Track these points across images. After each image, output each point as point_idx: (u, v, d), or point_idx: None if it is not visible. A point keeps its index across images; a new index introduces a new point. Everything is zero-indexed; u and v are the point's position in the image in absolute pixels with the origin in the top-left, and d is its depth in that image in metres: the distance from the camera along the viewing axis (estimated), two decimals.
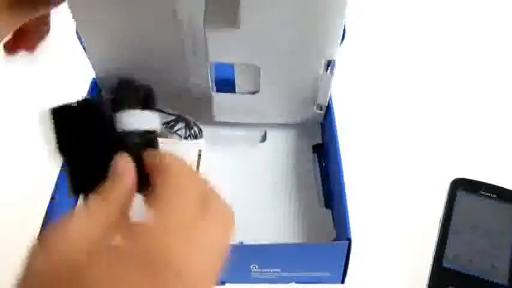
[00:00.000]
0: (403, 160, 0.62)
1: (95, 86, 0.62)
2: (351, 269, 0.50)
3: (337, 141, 0.55)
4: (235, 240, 0.48)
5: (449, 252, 0.51)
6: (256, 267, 0.49)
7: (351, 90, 0.67)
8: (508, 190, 0.55)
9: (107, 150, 0.32)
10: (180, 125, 0.61)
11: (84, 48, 0.56)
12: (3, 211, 0.56)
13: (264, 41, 0.50)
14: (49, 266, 0.27)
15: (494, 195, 0.55)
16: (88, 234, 0.28)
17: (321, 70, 0.54)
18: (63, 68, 0.70)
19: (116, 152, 0.32)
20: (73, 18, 0.51)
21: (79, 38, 0.55)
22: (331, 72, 0.54)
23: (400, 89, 0.70)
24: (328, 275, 0.51)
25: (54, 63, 0.65)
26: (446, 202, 0.55)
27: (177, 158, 0.33)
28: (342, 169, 0.52)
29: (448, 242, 0.52)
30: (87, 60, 0.57)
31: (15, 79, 0.68)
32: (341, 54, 0.52)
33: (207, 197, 0.31)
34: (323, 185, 0.58)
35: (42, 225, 0.47)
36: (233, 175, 0.58)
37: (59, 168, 0.52)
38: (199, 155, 0.57)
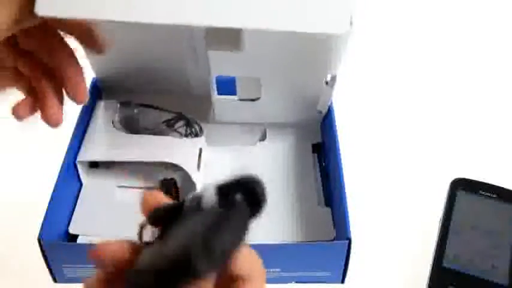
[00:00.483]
0: (403, 160, 0.62)
1: (95, 86, 0.62)
2: (350, 269, 0.50)
3: (337, 140, 0.55)
4: None
5: (449, 252, 0.51)
6: None
7: (350, 89, 0.67)
8: (508, 190, 0.55)
9: None
10: (181, 123, 0.61)
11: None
12: (3, 211, 0.56)
13: (266, 59, 0.51)
14: None
15: (494, 195, 0.55)
16: None
17: (323, 84, 0.54)
18: None
19: None
20: None
21: None
22: (333, 86, 0.54)
23: (400, 89, 0.70)
24: (328, 274, 0.51)
25: None
26: (446, 202, 0.55)
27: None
28: (342, 169, 0.52)
29: (448, 242, 0.52)
30: (86, 60, 0.57)
31: None
32: None
33: None
34: (323, 185, 0.58)
35: (43, 225, 0.47)
36: (233, 173, 0.58)
37: (59, 168, 0.52)
38: (200, 153, 0.57)
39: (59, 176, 0.52)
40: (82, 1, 0.30)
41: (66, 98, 0.39)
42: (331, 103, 0.59)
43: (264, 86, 0.56)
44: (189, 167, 0.55)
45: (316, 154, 0.61)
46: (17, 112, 0.38)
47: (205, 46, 0.49)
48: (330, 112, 0.59)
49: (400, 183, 0.59)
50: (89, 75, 0.60)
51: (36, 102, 0.38)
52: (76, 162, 0.55)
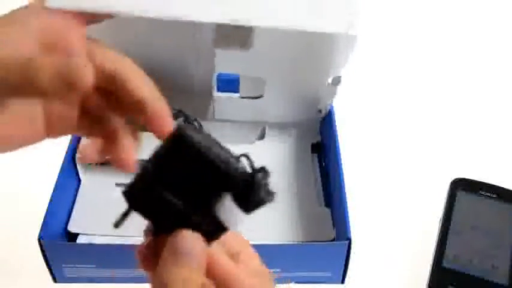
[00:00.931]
0: (403, 160, 0.62)
1: None
2: (351, 269, 0.50)
3: (337, 140, 0.55)
4: None
5: (449, 252, 0.51)
6: None
7: (350, 89, 0.66)
8: (508, 190, 0.55)
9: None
10: (180, 119, 0.60)
11: None
12: (3, 211, 0.56)
13: (271, 59, 0.51)
14: None
15: (494, 195, 0.55)
16: None
17: (326, 84, 0.54)
18: None
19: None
20: None
21: None
22: (336, 86, 0.54)
23: (400, 89, 0.70)
24: (328, 275, 0.51)
25: None
26: (446, 202, 0.55)
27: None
28: (342, 168, 0.52)
29: (448, 242, 0.52)
30: None
31: None
32: None
33: None
34: (323, 184, 0.58)
35: (42, 225, 0.47)
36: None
37: (59, 168, 0.52)
38: None
39: (59, 176, 0.52)
40: None
41: None
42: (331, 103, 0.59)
43: (266, 84, 0.56)
44: None
45: (316, 154, 0.61)
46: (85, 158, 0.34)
47: (214, 44, 0.49)
48: (330, 112, 0.59)
49: (400, 183, 0.59)
50: None
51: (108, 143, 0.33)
52: (76, 159, 0.55)
